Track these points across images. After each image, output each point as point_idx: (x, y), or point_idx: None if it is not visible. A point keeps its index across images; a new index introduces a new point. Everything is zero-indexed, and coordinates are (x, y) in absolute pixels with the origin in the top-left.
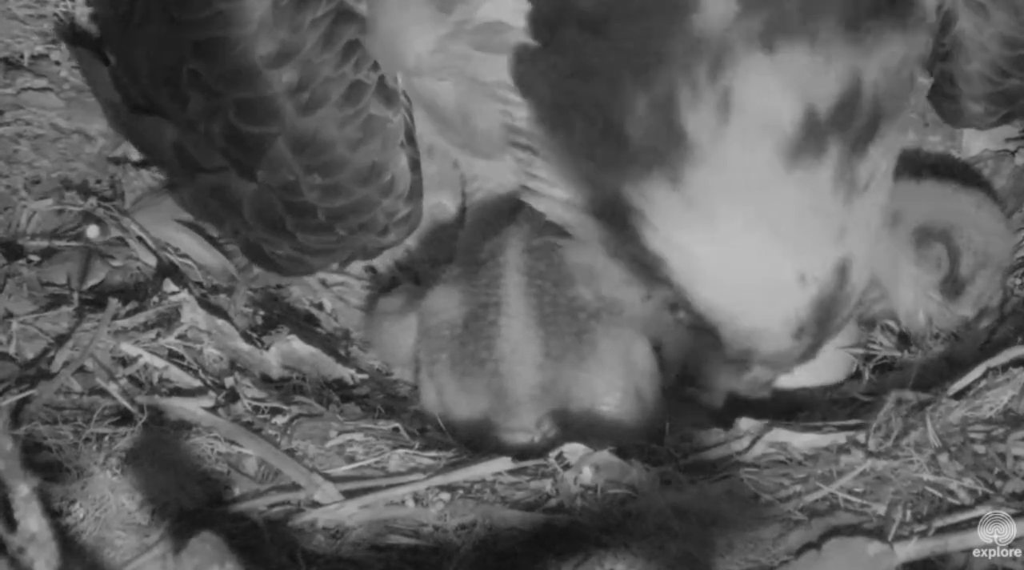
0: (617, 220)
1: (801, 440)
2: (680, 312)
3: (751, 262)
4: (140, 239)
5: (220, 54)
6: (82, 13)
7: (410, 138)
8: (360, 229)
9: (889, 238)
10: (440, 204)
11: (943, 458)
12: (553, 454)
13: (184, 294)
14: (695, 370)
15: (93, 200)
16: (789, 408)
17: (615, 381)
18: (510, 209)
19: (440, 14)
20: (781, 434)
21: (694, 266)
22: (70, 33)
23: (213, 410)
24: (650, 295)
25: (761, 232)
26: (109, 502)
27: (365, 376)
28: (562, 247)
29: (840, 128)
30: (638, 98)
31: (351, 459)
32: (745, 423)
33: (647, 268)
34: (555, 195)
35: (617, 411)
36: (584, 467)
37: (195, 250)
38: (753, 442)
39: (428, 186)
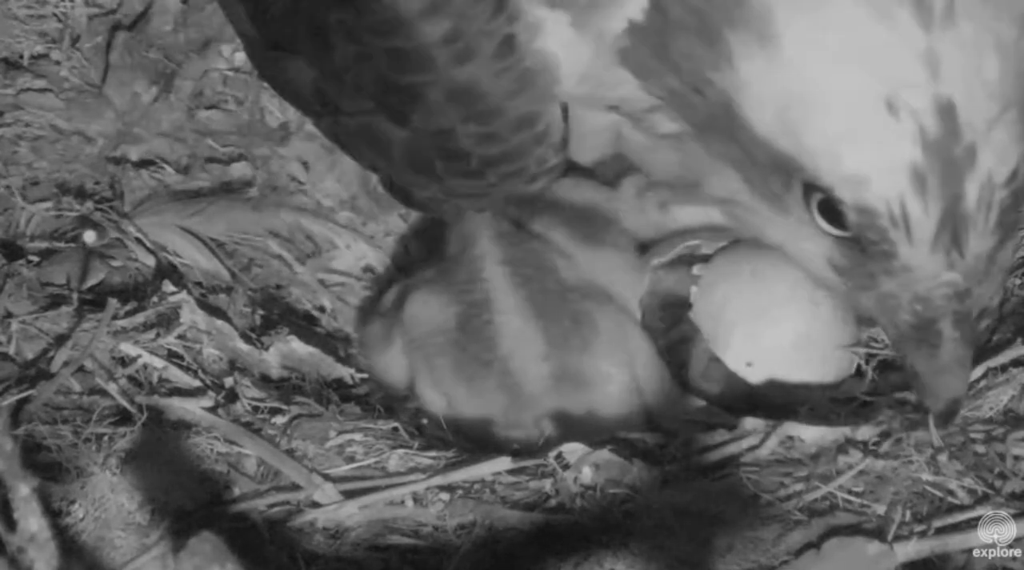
0: (720, 128)
1: (811, 434)
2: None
3: (834, 86)
4: (139, 241)
5: (370, 4)
6: (81, 13)
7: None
8: (511, 176)
9: None
10: None
11: (943, 458)
12: (553, 454)
13: (183, 294)
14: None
15: (90, 204)
16: (791, 406)
17: (622, 359)
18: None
19: (576, 32)
20: (792, 427)
21: (793, 122)
22: None
23: (213, 410)
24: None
25: (836, 49)
26: (109, 502)
27: (365, 376)
28: (533, 233)
29: None
30: None
31: (351, 459)
32: (751, 422)
33: (753, 164)
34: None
35: (627, 391)
36: (584, 467)
37: (194, 255)
38: (765, 438)
39: None
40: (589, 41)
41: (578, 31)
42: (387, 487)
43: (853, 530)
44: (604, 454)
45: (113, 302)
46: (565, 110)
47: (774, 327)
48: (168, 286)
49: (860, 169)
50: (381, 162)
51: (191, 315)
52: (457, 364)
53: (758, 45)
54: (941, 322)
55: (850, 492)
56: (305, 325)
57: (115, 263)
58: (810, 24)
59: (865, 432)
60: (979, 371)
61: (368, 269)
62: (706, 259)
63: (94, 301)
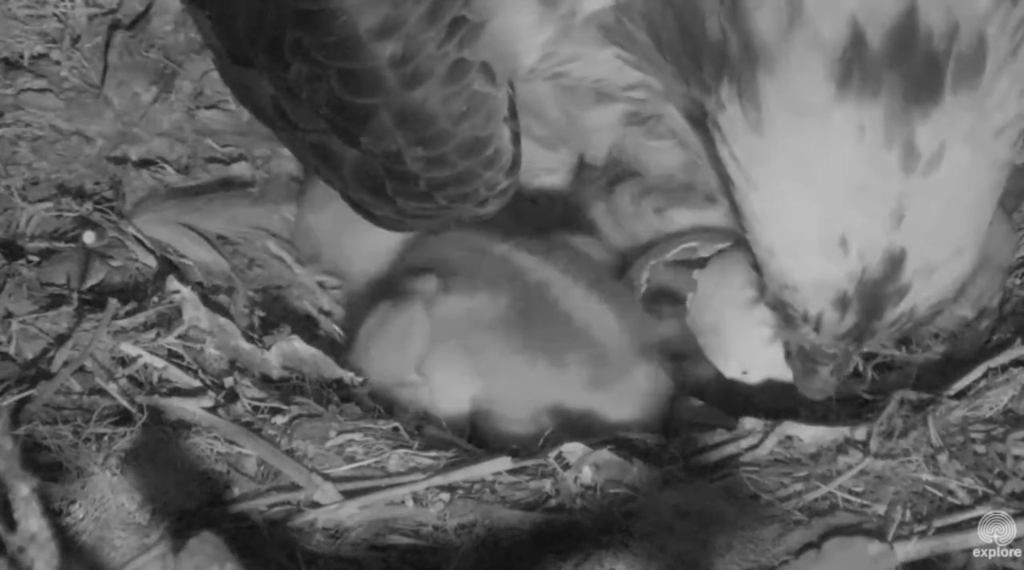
0: (704, 129)
1: (809, 433)
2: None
3: (794, 203)
4: (139, 241)
5: (323, 24)
6: (81, 13)
7: (512, 112)
8: (460, 199)
9: None
10: None
11: (943, 458)
12: (553, 454)
13: (186, 292)
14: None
15: (90, 204)
16: (791, 407)
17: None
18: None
19: (546, 11)
20: (790, 427)
21: (750, 189)
22: None
23: (213, 410)
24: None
25: (808, 170)
26: (109, 502)
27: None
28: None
29: (894, 65)
30: None
31: (351, 459)
32: (749, 422)
33: (722, 182)
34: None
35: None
36: (584, 467)
37: (196, 252)
38: (764, 437)
39: None
40: (557, 19)
41: (546, 7)
42: (387, 487)
43: (853, 530)
44: (604, 454)
45: (113, 302)
46: (516, 134)
47: (769, 335)
48: (172, 283)
49: (792, 279)
50: (336, 179)
51: (194, 312)
52: (529, 347)
53: (744, 122)
54: (821, 366)
55: (850, 492)
56: (306, 326)
57: (115, 263)
58: (800, 142)
59: (865, 432)
60: (979, 371)
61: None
62: (703, 261)
63: (94, 301)
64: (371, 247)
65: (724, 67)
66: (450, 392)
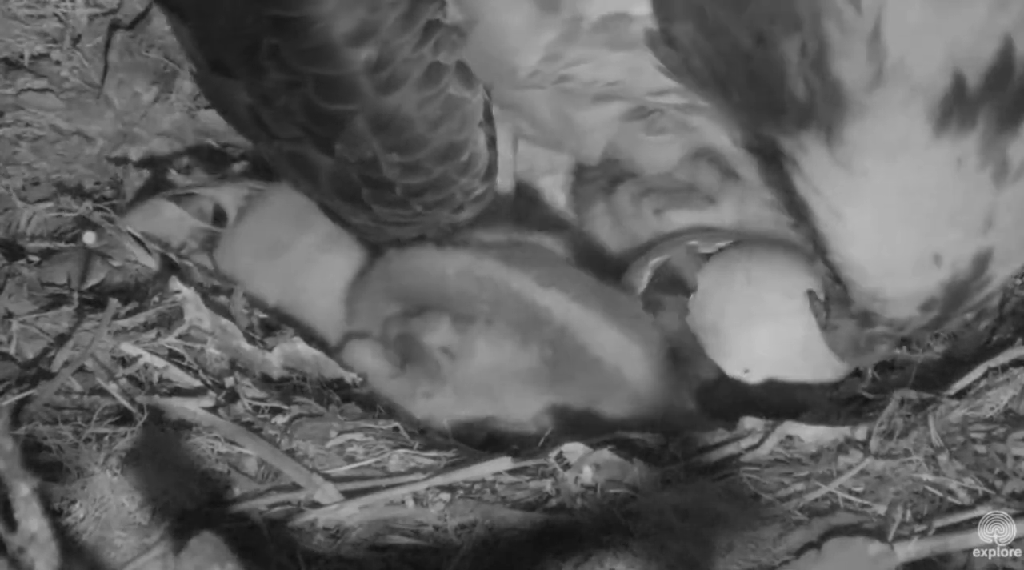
0: (770, 159)
1: (810, 433)
2: (817, 260)
3: (890, 231)
4: (139, 241)
5: (299, 31)
6: (82, 13)
7: (488, 117)
8: (436, 205)
9: None
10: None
11: (943, 458)
12: (553, 454)
13: (188, 292)
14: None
15: (90, 204)
16: (791, 407)
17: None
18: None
19: (544, 15)
20: (791, 427)
21: (835, 222)
22: None
23: (213, 410)
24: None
25: (905, 202)
26: (109, 502)
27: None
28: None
29: (991, 98)
30: (789, 49)
31: (351, 459)
32: (749, 421)
33: (794, 205)
34: (710, 131)
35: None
36: (584, 467)
37: (185, 232)
38: (764, 437)
39: None
40: (559, 23)
41: (544, 10)
42: (387, 487)
43: (853, 530)
44: (604, 454)
45: (114, 302)
46: (492, 139)
47: (770, 333)
48: (174, 284)
49: (886, 295)
50: (312, 189)
51: (196, 313)
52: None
53: (831, 160)
54: (880, 345)
55: (850, 492)
56: (305, 327)
57: (115, 263)
58: (895, 178)
59: (865, 432)
60: (979, 371)
61: None
62: (704, 259)
63: (94, 301)
64: (328, 283)
65: (810, 117)
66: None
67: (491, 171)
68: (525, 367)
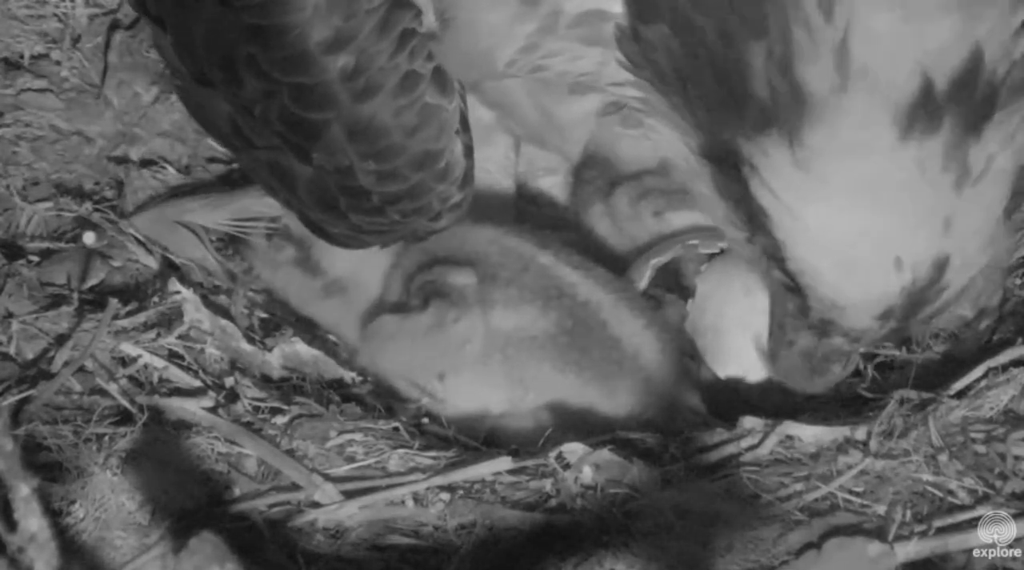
0: (728, 166)
1: (809, 433)
2: (773, 268)
3: (851, 234)
4: (139, 241)
5: (275, 39)
6: (82, 13)
7: (465, 125)
8: (413, 213)
9: None
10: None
11: (943, 458)
12: (553, 454)
13: (188, 293)
14: (774, 328)
15: (89, 204)
16: (791, 407)
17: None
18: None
19: (525, 8)
20: (791, 427)
21: (795, 226)
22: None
23: (213, 410)
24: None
25: (867, 205)
26: (109, 502)
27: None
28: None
29: (957, 103)
30: (756, 53)
31: (351, 459)
32: (749, 421)
33: (750, 214)
34: (667, 139)
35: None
36: (584, 467)
37: (196, 253)
38: (764, 437)
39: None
40: (538, 17)
41: (526, 5)
42: (387, 487)
43: (853, 530)
44: (604, 454)
45: (114, 302)
46: (468, 147)
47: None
48: (173, 284)
49: (844, 299)
50: (291, 198)
51: (195, 313)
52: (578, 364)
53: (791, 162)
54: (834, 364)
55: (850, 492)
56: (306, 326)
57: (115, 263)
58: (857, 180)
59: (865, 432)
60: (979, 371)
61: None
62: (705, 258)
63: (94, 301)
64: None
65: (772, 119)
66: (472, 402)
67: (468, 179)
68: (542, 331)
